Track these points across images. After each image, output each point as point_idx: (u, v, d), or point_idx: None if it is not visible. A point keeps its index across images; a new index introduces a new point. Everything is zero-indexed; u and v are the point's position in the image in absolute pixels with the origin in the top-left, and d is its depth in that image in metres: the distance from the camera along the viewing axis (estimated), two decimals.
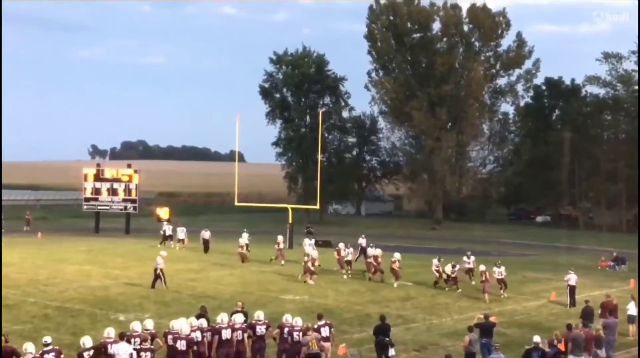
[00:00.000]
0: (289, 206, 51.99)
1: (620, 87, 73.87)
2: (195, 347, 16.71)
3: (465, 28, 77.09)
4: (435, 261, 32.42)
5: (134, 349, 15.64)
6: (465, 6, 77.26)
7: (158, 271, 29.87)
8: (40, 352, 14.83)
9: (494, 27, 76.50)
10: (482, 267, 29.61)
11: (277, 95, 76.39)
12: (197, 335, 17.02)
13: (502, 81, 79.98)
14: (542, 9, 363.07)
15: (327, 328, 18.29)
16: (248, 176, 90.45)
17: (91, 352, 15.32)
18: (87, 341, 15.46)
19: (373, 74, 79.88)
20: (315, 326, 18.10)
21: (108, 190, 54.88)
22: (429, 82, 75.29)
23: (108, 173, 55.78)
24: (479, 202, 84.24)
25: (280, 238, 38.66)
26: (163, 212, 60.46)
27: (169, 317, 20.15)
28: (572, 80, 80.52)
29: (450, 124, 76.68)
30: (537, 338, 17.41)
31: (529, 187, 79.24)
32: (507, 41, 78.05)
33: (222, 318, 17.64)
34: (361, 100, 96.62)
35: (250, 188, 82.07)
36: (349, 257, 35.23)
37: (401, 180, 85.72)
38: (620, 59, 72.29)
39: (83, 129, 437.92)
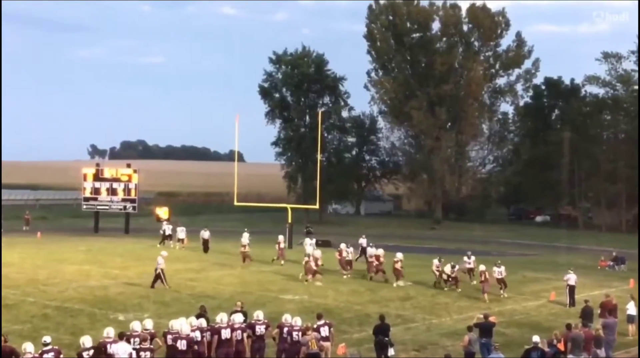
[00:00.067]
0: (289, 206, 51.93)
1: (620, 87, 73.91)
2: (194, 347, 16.71)
3: (465, 28, 77.08)
4: (435, 261, 32.43)
5: (134, 349, 15.64)
6: (464, 6, 77.42)
7: (158, 271, 29.88)
8: (40, 351, 14.82)
9: (493, 27, 76.44)
10: (482, 267, 29.65)
11: (277, 95, 76.41)
12: (197, 335, 17.01)
13: (501, 81, 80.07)
14: (541, 9, 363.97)
15: (326, 328, 18.29)
16: (247, 176, 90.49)
17: (91, 352, 15.31)
18: (86, 341, 15.45)
19: (372, 74, 79.98)
20: (315, 326, 18.09)
21: (107, 190, 54.88)
22: (429, 82, 75.26)
23: (107, 173, 55.81)
24: (478, 202, 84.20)
25: (281, 238, 38.65)
26: (162, 212, 60.40)
27: (169, 317, 20.14)
28: (572, 80, 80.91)
29: (449, 124, 76.68)
30: (536, 338, 17.40)
31: (528, 187, 79.22)
32: (507, 41, 78.19)
33: (222, 318, 17.64)
34: (361, 100, 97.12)
35: (250, 188, 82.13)
36: (350, 257, 35.31)
37: (401, 179, 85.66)
38: (620, 59, 72.43)
39: (83, 128, 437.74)
